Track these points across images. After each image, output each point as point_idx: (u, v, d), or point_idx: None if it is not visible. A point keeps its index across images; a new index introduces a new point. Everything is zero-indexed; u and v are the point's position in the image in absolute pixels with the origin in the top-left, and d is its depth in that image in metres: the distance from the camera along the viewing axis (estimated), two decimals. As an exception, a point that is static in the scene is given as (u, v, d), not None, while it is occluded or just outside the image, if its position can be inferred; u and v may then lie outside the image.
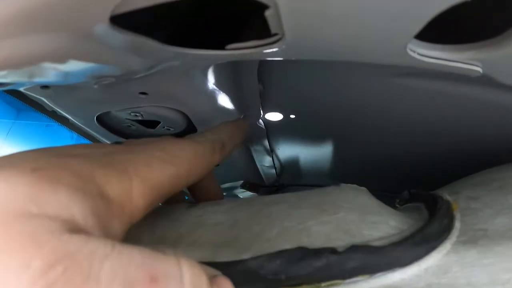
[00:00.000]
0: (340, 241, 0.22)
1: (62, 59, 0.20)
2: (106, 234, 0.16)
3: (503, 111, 0.32)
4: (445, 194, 0.28)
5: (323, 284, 0.20)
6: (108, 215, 0.17)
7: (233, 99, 0.38)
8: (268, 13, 0.18)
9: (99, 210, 0.16)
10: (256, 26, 0.23)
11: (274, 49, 0.22)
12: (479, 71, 0.23)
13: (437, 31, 0.18)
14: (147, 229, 0.24)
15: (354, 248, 0.21)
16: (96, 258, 0.13)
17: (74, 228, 0.14)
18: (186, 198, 0.36)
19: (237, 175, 0.60)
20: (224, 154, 0.27)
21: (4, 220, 0.13)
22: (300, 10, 0.18)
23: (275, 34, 0.21)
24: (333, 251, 0.21)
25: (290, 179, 0.64)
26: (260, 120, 0.44)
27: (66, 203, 0.15)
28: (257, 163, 0.57)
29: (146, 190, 0.19)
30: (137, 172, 0.19)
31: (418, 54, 0.22)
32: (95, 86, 0.28)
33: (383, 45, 0.21)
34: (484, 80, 0.24)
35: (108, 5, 0.17)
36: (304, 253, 0.21)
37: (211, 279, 0.17)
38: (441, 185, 0.33)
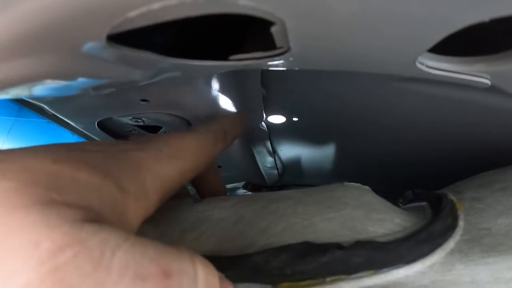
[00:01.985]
0: (345, 237, 0.22)
1: (62, 77, 0.20)
2: (122, 225, 0.16)
3: (505, 114, 0.32)
4: (449, 194, 0.28)
5: (328, 279, 0.20)
6: (125, 207, 0.17)
7: (235, 104, 0.38)
8: (274, 29, 0.18)
9: (116, 201, 0.16)
10: (260, 36, 0.23)
11: (279, 61, 0.22)
12: (487, 83, 0.23)
13: (443, 41, 0.18)
14: (151, 224, 0.24)
15: (359, 244, 0.21)
16: (108, 247, 0.13)
17: (90, 217, 0.14)
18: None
19: (239, 176, 0.60)
20: (226, 143, 0.28)
21: (25, 204, 0.13)
22: (308, 28, 0.17)
23: (281, 47, 0.20)
24: (338, 246, 0.21)
25: (292, 180, 0.65)
26: (263, 123, 0.44)
27: (85, 193, 0.15)
28: (259, 164, 0.57)
29: (158, 185, 0.20)
30: (149, 168, 0.20)
31: (426, 66, 0.22)
32: (95, 95, 0.28)
33: (393, 58, 0.21)
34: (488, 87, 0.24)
35: (105, 27, 0.16)
36: (309, 248, 0.21)
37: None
38: (442, 187, 0.33)
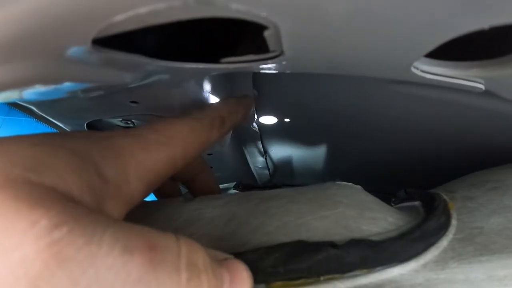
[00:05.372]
0: (339, 236, 0.22)
1: (49, 82, 0.19)
2: (102, 212, 0.16)
3: (497, 117, 0.32)
4: (441, 193, 0.28)
5: (322, 278, 0.20)
6: (104, 194, 0.17)
7: None
8: (267, 33, 0.18)
9: (95, 189, 0.16)
10: (251, 39, 0.22)
11: (272, 65, 0.22)
12: (481, 88, 0.23)
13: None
14: (143, 223, 0.24)
15: (353, 242, 0.21)
16: (99, 225, 0.14)
17: (72, 201, 0.15)
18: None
19: (231, 176, 0.60)
20: (224, 131, 0.26)
21: (5, 184, 0.13)
22: (302, 32, 0.17)
23: (274, 51, 0.20)
24: (332, 244, 0.21)
25: (283, 180, 0.65)
26: (254, 123, 0.44)
27: (64, 177, 0.15)
28: (250, 164, 0.57)
29: (143, 173, 0.19)
30: (133, 155, 0.19)
31: (421, 70, 0.22)
32: (84, 97, 0.28)
33: (388, 63, 0.21)
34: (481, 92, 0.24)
35: (90, 31, 0.16)
36: (303, 247, 0.21)
37: (221, 262, 0.17)
38: (433, 186, 0.33)
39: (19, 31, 0.15)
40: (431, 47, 0.18)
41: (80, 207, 0.14)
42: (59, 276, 0.12)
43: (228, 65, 0.22)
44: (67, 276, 0.12)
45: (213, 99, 0.35)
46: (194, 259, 0.16)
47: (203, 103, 0.34)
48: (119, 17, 0.15)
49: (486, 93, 0.24)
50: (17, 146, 0.15)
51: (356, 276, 0.21)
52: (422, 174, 0.48)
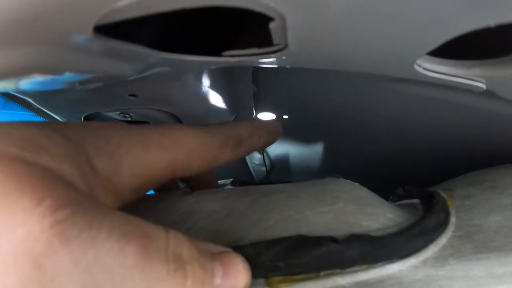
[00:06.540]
0: (338, 231, 0.22)
1: (48, 71, 0.19)
2: None
3: (496, 118, 0.32)
4: (440, 191, 0.28)
5: (322, 273, 0.20)
6: (95, 185, 0.17)
7: (226, 100, 0.37)
8: (272, 25, 0.17)
9: (85, 177, 0.16)
10: (253, 33, 0.22)
11: (273, 59, 0.21)
12: (482, 88, 0.23)
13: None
14: (139, 215, 0.24)
15: (353, 237, 0.21)
16: (99, 211, 0.14)
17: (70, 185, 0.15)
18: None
19: (228, 173, 0.60)
20: (240, 153, 0.25)
21: (2, 162, 0.13)
22: (309, 25, 0.17)
23: (277, 44, 0.20)
24: (333, 239, 0.21)
25: (280, 177, 0.65)
26: None
27: (57, 159, 0.15)
28: (247, 161, 0.57)
29: (137, 171, 0.19)
30: (130, 151, 0.19)
31: (424, 68, 0.22)
32: (81, 89, 0.28)
33: (392, 60, 0.21)
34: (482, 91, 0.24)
35: (92, 17, 0.16)
36: (304, 241, 0.21)
37: (215, 255, 0.17)
38: (430, 185, 0.33)
39: (19, 16, 0.15)
40: (435, 44, 0.18)
41: (80, 192, 0.15)
42: (61, 255, 0.13)
43: (229, 58, 0.22)
44: (69, 256, 0.13)
45: (213, 94, 0.35)
46: (179, 251, 0.16)
47: (201, 98, 0.34)
48: (123, 2, 0.15)
49: (486, 93, 0.24)
50: (12, 126, 0.15)
51: (356, 271, 0.21)
52: (420, 174, 0.48)
